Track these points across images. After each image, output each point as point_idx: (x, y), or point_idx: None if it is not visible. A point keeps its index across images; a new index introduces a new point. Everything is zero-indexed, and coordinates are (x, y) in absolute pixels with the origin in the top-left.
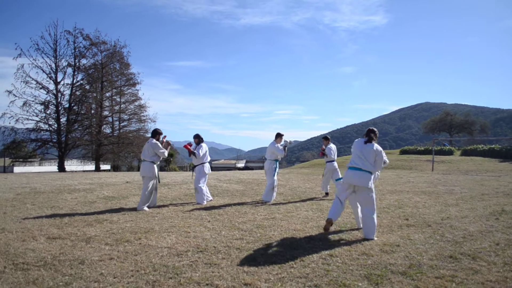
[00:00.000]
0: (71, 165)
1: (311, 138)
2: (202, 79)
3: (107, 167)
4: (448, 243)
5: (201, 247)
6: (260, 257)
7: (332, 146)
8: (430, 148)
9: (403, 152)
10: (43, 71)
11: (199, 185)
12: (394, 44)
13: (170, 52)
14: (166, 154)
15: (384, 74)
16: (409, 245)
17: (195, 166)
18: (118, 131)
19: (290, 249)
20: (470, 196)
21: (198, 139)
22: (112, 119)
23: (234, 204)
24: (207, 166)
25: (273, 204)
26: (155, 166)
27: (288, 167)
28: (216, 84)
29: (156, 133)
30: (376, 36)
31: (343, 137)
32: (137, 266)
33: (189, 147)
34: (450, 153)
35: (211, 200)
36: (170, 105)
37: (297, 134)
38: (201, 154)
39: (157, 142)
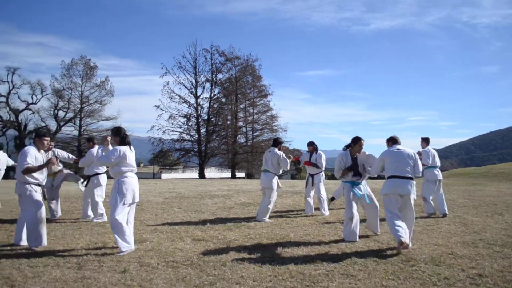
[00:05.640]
0: (209, 172)
1: (450, 146)
2: (331, 87)
3: (242, 174)
4: None
5: (337, 257)
6: (399, 271)
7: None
8: None
9: None
10: (185, 87)
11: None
12: None
13: (299, 62)
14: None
15: None
16: None
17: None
18: (251, 141)
19: (432, 265)
20: None
21: (313, 146)
22: (246, 129)
23: None
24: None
25: None
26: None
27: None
28: (344, 91)
29: (278, 143)
30: None
31: (486, 145)
32: (274, 271)
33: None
34: None
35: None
36: (299, 115)
37: (433, 141)
38: (323, 163)
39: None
